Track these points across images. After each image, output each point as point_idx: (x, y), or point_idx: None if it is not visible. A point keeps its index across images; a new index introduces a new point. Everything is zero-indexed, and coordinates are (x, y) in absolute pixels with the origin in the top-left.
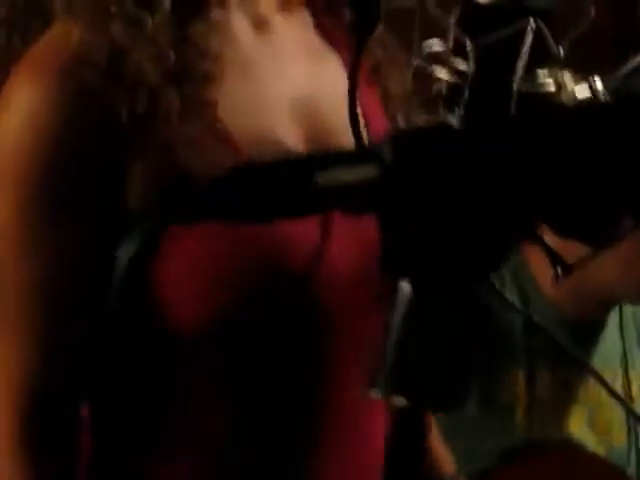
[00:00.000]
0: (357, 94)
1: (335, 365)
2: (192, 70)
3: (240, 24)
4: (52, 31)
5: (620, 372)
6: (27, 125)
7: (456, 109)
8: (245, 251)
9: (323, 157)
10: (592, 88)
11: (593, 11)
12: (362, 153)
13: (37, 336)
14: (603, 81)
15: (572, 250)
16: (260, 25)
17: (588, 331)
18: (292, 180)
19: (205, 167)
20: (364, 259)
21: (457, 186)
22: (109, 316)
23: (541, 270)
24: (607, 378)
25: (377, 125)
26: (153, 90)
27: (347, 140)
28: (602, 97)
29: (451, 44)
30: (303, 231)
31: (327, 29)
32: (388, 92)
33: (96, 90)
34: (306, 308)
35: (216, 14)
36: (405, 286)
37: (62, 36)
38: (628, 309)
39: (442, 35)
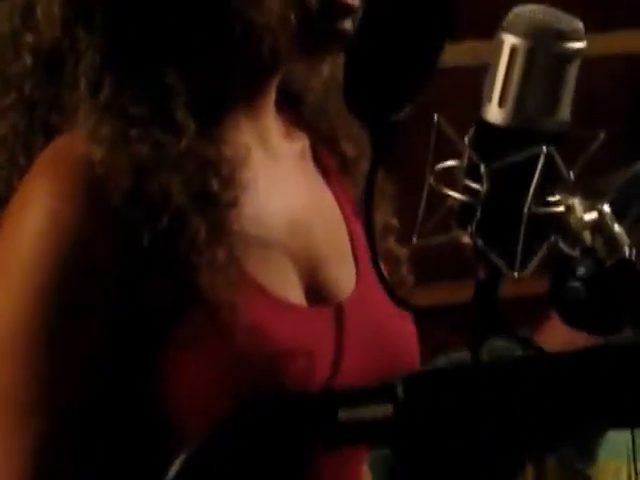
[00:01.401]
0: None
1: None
2: (216, 196)
3: (252, 149)
4: (67, 140)
5: (625, 463)
6: (46, 232)
7: (468, 227)
8: (244, 372)
9: (344, 395)
10: (600, 213)
11: (603, 135)
12: (379, 391)
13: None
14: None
15: None
16: (268, 152)
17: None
18: (317, 417)
19: (222, 292)
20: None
21: (463, 425)
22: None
23: None
24: (612, 469)
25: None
26: (177, 213)
27: (337, 269)
28: (609, 222)
29: (465, 163)
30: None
31: (322, 158)
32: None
33: (119, 209)
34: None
35: (234, 137)
36: None
37: (82, 150)
38: None
39: (456, 154)
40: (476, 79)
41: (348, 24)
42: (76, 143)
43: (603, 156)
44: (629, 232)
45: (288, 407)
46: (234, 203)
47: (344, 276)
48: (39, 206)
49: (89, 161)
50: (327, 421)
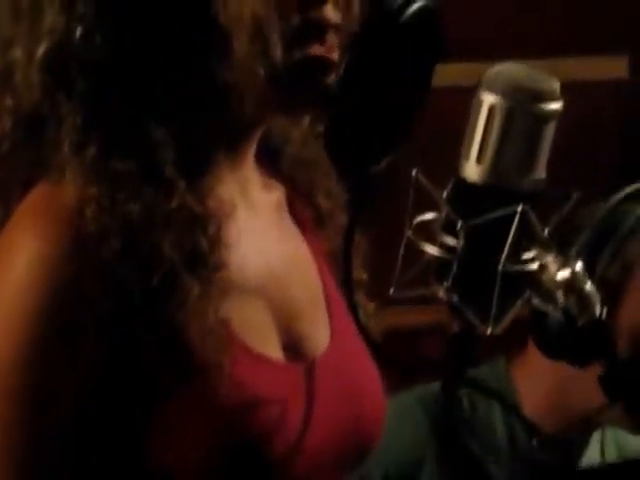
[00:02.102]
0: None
1: None
2: (205, 256)
3: (236, 202)
4: (54, 192)
5: None
6: (33, 284)
7: (444, 282)
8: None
9: None
10: (573, 272)
11: (576, 195)
12: None
13: None
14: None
15: None
16: (249, 204)
17: (569, 450)
18: None
19: (211, 353)
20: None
21: None
22: None
23: (525, 386)
24: None
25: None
26: (169, 272)
27: (313, 323)
28: (582, 280)
29: (443, 218)
30: (282, 413)
31: (298, 209)
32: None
33: (109, 266)
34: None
35: (218, 190)
36: None
37: (71, 205)
38: (610, 430)
39: (435, 207)
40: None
41: (328, 79)
42: (65, 197)
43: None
44: (606, 268)
45: None
46: (222, 265)
47: (319, 330)
48: (25, 262)
49: (80, 217)
50: None
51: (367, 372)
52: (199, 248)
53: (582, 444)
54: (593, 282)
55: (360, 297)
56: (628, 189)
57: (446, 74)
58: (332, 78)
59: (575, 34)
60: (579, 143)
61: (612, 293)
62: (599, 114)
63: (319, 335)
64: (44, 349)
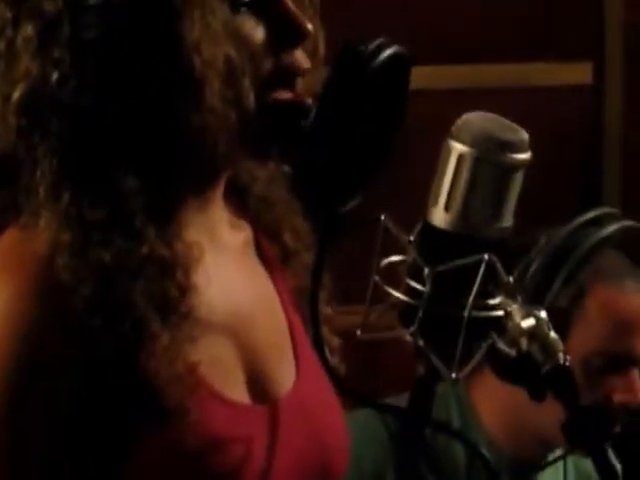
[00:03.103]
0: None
1: None
2: (175, 303)
3: (204, 246)
4: (25, 239)
5: None
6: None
7: (411, 326)
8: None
9: None
10: (537, 320)
11: (544, 241)
12: None
13: None
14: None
15: None
16: (216, 245)
17: (526, 470)
18: None
19: (179, 399)
20: None
21: None
22: None
23: (484, 406)
24: None
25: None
26: (138, 320)
27: (278, 362)
28: (546, 329)
29: (409, 262)
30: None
31: (264, 247)
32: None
33: (80, 315)
34: None
35: (186, 234)
36: None
37: (43, 253)
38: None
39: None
40: None
41: (301, 122)
42: (36, 244)
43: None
44: (558, 294)
45: None
46: (191, 311)
47: (285, 369)
48: None
49: (50, 267)
50: None
51: (331, 410)
52: (169, 295)
53: (538, 465)
54: (544, 307)
55: (325, 332)
56: (587, 215)
57: (416, 76)
58: (305, 121)
59: (542, 40)
60: (542, 147)
61: (563, 319)
62: (563, 119)
63: (285, 374)
64: (14, 398)
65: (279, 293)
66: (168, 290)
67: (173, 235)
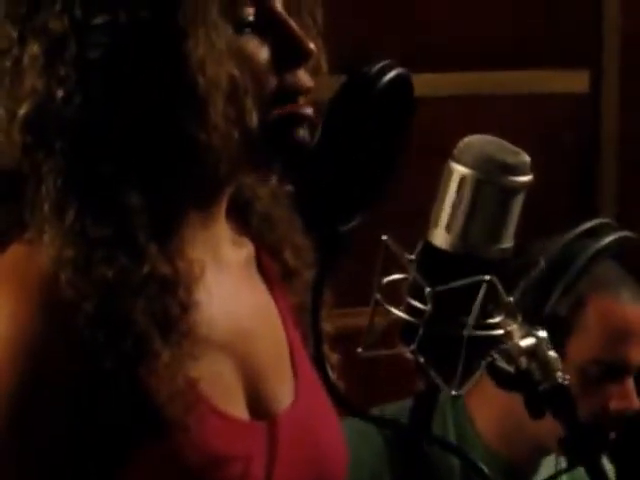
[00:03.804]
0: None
1: None
2: (176, 320)
3: (205, 261)
4: (29, 254)
5: None
6: (4, 350)
7: (411, 345)
8: None
9: None
10: (537, 340)
11: (543, 262)
12: None
13: None
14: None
15: None
16: (219, 261)
17: (521, 475)
18: None
19: (179, 415)
20: None
21: None
22: None
23: (480, 412)
24: None
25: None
26: (139, 337)
27: (278, 379)
28: (545, 349)
29: (410, 281)
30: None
31: (265, 265)
32: None
33: (81, 331)
34: None
35: (188, 251)
36: None
37: (47, 269)
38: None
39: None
40: None
41: (302, 133)
42: (41, 260)
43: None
44: (557, 304)
45: None
46: (192, 329)
47: (284, 386)
48: None
49: (54, 282)
50: None
51: (329, 426)
52: (170, 313)
53: (532, 470)
54: (543, 316)
55: (325, 349)
56: (583, 226)
57: (416, 84)
58: (303, 132)
59: (540, 48)
60: (539, 154)
61: (561, 328)
62: (560, 126)
63: (284, 391)
64: (18, 411)
65: (279, 310)
66: (169, 308)
67: (175, 252)
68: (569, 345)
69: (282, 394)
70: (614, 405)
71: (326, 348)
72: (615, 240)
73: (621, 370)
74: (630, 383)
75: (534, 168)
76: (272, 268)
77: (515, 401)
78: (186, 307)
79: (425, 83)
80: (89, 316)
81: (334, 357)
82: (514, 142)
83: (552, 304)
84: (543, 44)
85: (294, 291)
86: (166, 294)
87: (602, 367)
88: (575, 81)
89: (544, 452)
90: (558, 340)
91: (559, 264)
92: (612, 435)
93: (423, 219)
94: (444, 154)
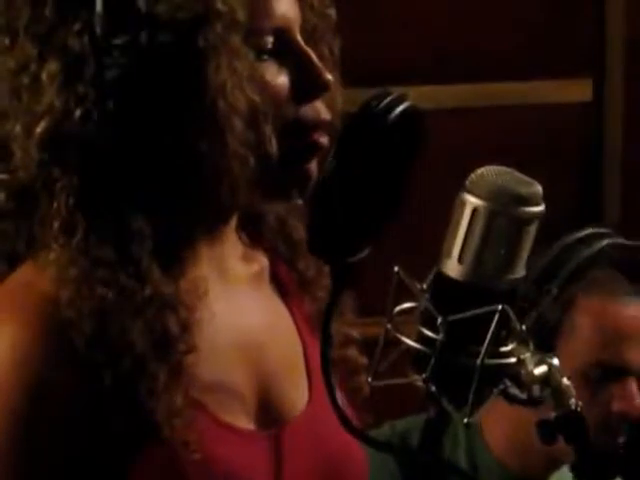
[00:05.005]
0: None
1: None
2: (175, 341)
3: (210, 279)
4: (32, 277)
5: None
6: (5, 372)
7: (423, 374)
8: None
9: None
10: (550, 367)
11: (555, 292)
12: None
13: None
14: None
15: None
16: (226, 277)
17: None
18: None
19: (179, 433)
20: None
21: None
22: None
23: (491, 425)
24: None
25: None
26: (138, 358)
27: (289, 388)
28: (558, 376)
29: (422, 310)
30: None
31: (280, 275)
32: None
33: (81, 352)
34: None
35: (193, 271)
36: None
37: (48, 290)
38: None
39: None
40: None
41: (313, 165)
42: (43, 282)
43: None
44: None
45: None
46: (192, 349)
47: (296, 394)
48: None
49: (55, 303)
50: None
51: (345, 434)
52: (169, 333)
53: None
54: (533, 320)
55: (352, 352)
56: (581, 232)
57: (419, 95)
58: (312, 165)
59: (543, 57)
60: (543, 163)
61: (550, 333)
62: (563, 135)
63: (296, 398)
64: (21, 425)
65: (296, 320)
66: (169, 328)
67: (179, 272)
68: (563, 349)
69: (295, 400)
70: (616, 406)
71: (355, 352)
72: (605, 247)
73: (621, 371)
74: (632, 384)
75: (537, 178)
76: (288, 277)
77: (526, 414)
78: (186, 326)
79: (427, 95)
80: (88, 336)
81: (363, 361)
82: (518, 152)
83: (543, 309)
84: (545, 54)
85: (312, 299)
86: (166, 314)
87: (601, 369)
88: (578, 90)
89: (557, 464)
90: (546, 345)
91: (549, 271)
92: (621, 439)
93: (418, 228)
94: (445, 166)
